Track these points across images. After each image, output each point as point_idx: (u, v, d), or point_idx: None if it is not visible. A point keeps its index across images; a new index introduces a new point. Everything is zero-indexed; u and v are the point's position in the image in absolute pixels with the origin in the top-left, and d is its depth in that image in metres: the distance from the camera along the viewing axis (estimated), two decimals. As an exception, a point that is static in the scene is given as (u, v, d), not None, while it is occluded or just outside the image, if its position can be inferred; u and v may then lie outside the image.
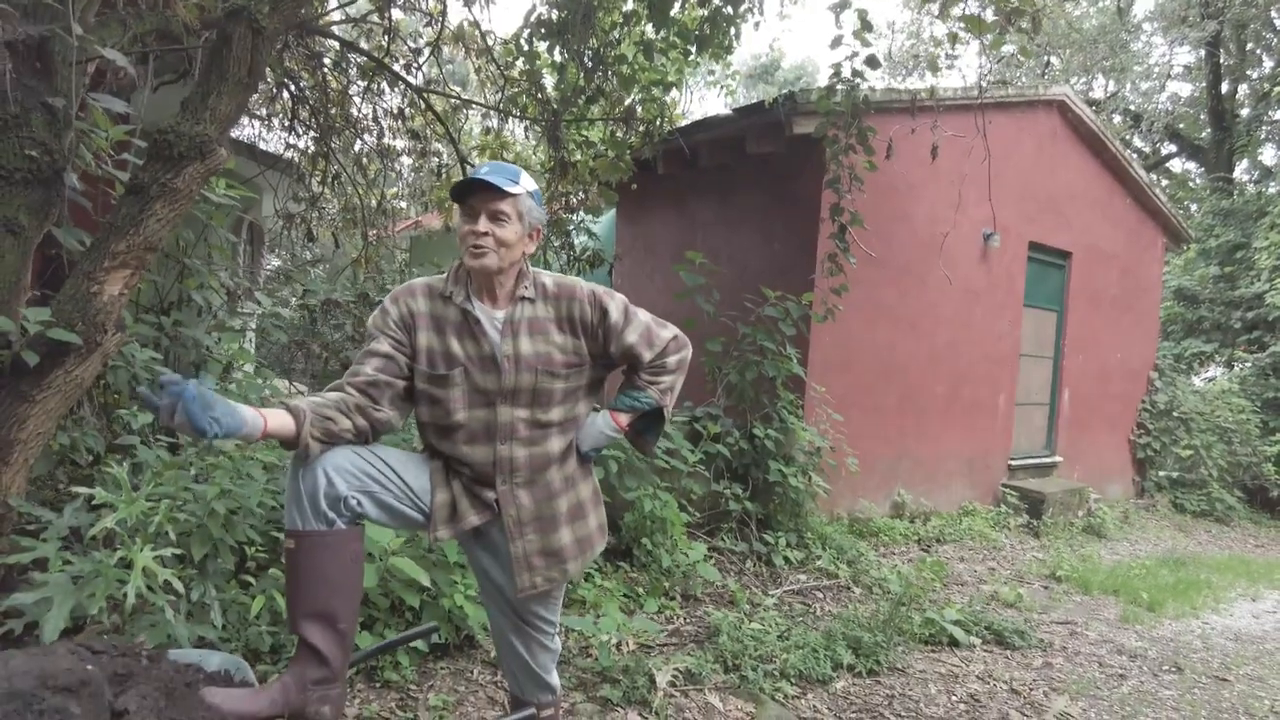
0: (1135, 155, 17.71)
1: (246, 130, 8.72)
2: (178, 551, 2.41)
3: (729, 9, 5.13)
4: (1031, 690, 3.55)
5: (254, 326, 4.24)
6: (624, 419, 1.93)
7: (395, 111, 7.01)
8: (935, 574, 5.04)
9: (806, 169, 5.67)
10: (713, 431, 4.98)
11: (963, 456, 6.90)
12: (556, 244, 6.76)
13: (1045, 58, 16.69)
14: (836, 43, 4.96)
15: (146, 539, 2.34)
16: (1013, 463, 7.38)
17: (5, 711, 1.19)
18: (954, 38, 4.78)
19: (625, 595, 3.88)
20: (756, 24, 5.19)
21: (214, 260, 3.67)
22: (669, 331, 1.94)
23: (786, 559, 4.92)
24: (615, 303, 1.86)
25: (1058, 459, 7.88)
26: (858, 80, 4.98)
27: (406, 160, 7.70)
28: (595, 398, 1.97)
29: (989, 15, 4.59)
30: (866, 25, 4.88)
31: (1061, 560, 5.86)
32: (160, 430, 2.94)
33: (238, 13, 2.59)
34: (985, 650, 4.01)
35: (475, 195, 1.77)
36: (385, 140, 7.23)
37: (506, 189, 1.75)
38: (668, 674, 3.01)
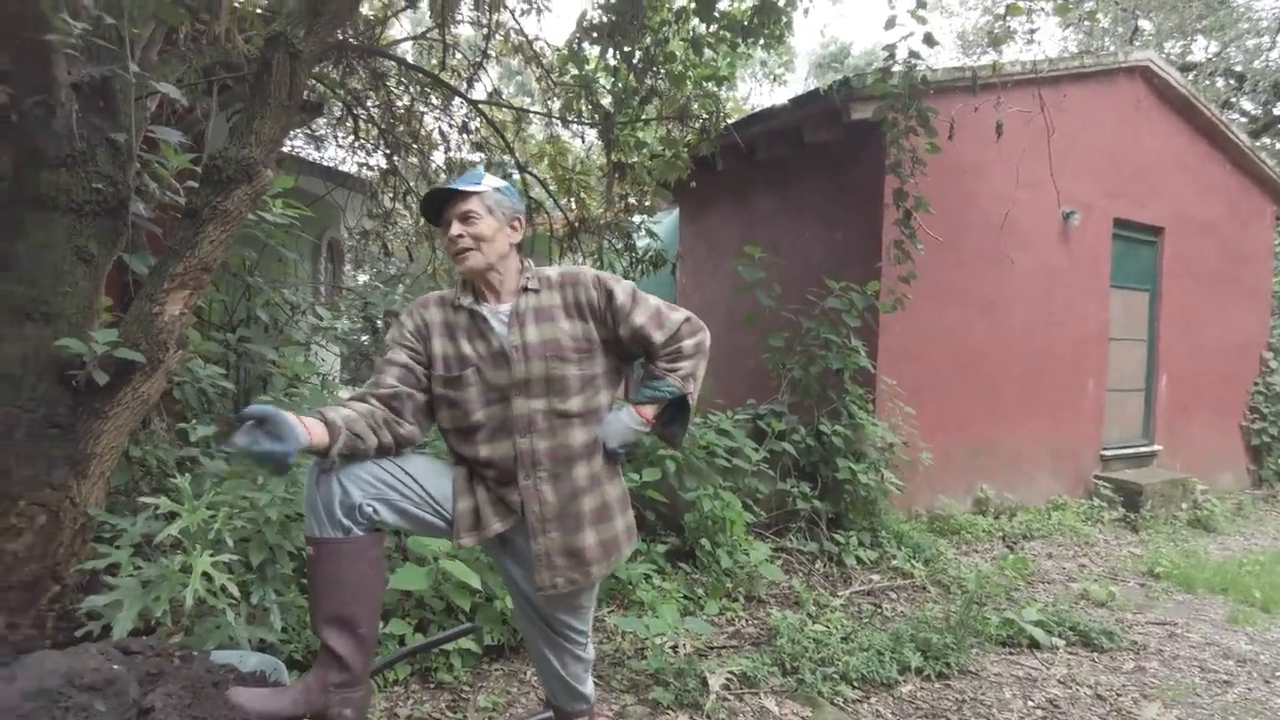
0: (1240, 118, 16.46)
1: (326, 153, 9.14)
2: (238, 557, 2.53)
3: (776, -2, 5.04)
4: (1119, 696, 3.33)
5: (320, 342, 4.38)
6: (648, 411, 1.89)
7: (460, 125, 7.20)
8: (1018, 571, 4.81)
9: (866, 155, 5.51)
10: (777, 429, 4.89)
11: (1048, 447, 6.56)
12: (618, 246, 6.79)
13: (1133, 23, 15.70)
14: (891, 23, 4.81)
15: (206, 545, 2.46)
16: (1105, 453, 6.97)
17: (34, 707, 1.27)
18: (1013, 9, 4.56)
19: (686, 597, 3.85)
20: (806, 10, 5.08)
21: (279, 277, 3.83)
22: (680, 314, 1.89)
23: (859, 559, 4.78)
24: (621, 286, 1.86)
25: (1157, 448, 7.39)
26: (914, 61, 4.81)
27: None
28: (616, 389, 1.96)
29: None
30: (922, 3, 4.71)
31: (1161, 556, 5.49)
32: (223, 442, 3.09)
33: (275, 39, 2.69)
34: (1069, 652, 3.79)
35: (444, 207, 1.85)
36: (451, 154, 7.44)
37: (465, 189, 1.83)
38: (721, 677, 2.96)
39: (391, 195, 7.31)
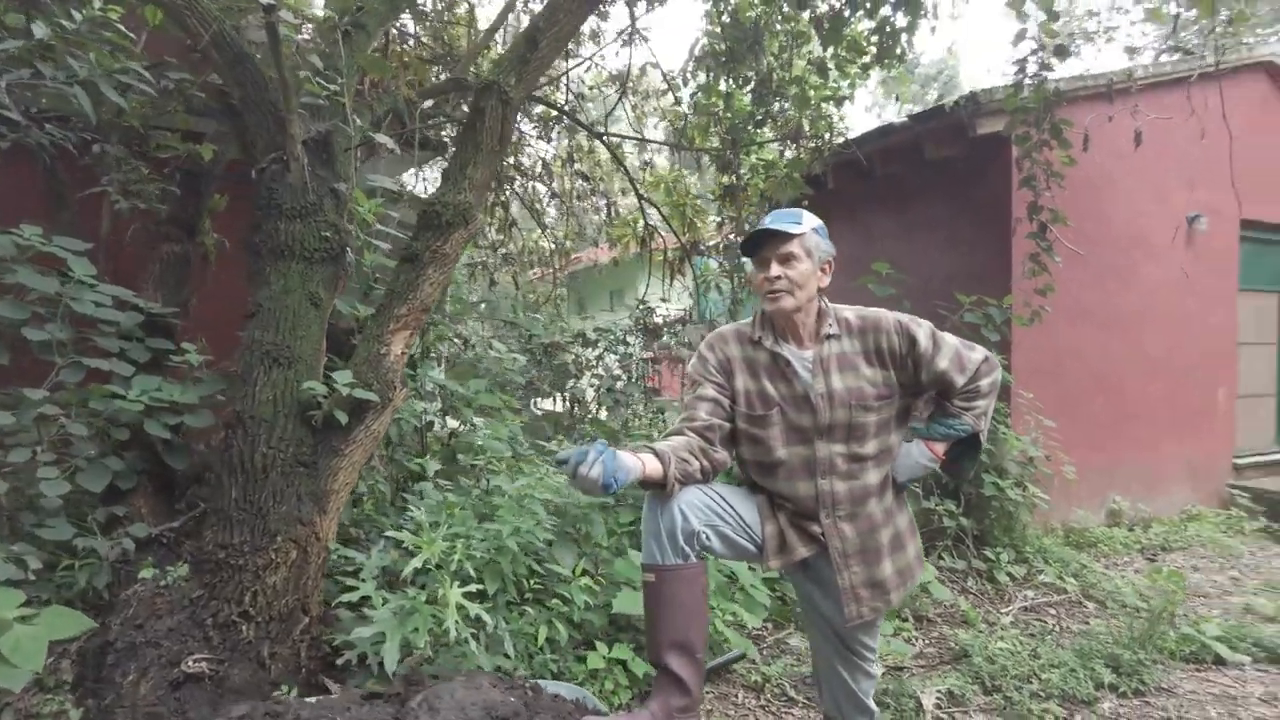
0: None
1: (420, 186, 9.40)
2: (480, 587, 2.62)
3: (899, 19, 5.06)
4: (1331, 715, 3.22)
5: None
6: (940, 448, 1.94)
7: (565, 156, 7.37)
8: (1175, 585, 4.68)
9: (992, 169, 5.48)
10: (916, 446, 4.86)
11: (1183, 457, 6.38)
12: (727, 267, 6.85)
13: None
14: (1020, 36, 4.81)
15: (452, 576, 2.55)
16: (1238, 461, 6.74)
17: (463, 738, 1.35)
18: (1154, 14, 4.51)
19: (856, 617, 3.85)
20: (933, 28, 5.10)
21: (447, 313, 3.96)
22: (978, 354, 1.93)
23: (1010, 575, 4.71)
24: (922, 330, 1.88)
25: (1292, 454, 7.13)
26: (1044, 74, 4.79)
27: (578, 201, 8.03)
28: (904, 428, 1.99)
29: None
30: (1053, 15, 4.69)
31: (1320, 567, 5.28)
32: (443, 477, 3.21)
33: (489, 87, 2.82)
34: (1258, 669, 3.67)
35: (764, 245, 1.87)
36: (555, 184, 7.61)
37: (791, 231, 1.84)
38: (932, 696, 2.96)
39: (497, 226, 7.49)
